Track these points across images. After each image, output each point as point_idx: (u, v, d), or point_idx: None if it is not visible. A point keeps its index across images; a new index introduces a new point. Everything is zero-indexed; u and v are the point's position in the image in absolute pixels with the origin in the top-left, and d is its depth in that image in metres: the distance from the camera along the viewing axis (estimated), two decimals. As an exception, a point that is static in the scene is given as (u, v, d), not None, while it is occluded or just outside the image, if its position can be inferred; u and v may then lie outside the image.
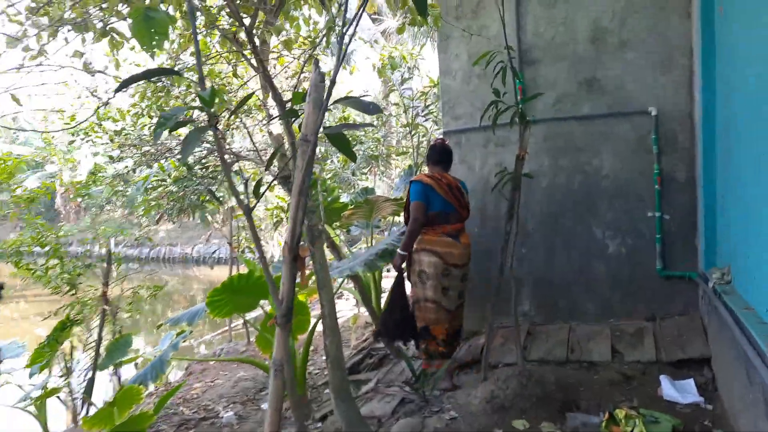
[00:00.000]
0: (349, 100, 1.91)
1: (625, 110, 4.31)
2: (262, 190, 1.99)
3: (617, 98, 4.34)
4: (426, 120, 6.79)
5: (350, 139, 6.76)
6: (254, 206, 1.80)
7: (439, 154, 4.11)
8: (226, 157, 5.56)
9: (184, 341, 4.75)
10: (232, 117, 5.77)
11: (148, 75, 1.71)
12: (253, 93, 3.12)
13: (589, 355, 4.02)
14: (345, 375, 3.43)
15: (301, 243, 1.75)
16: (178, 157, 5.62)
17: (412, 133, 6.66)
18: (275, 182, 3.80)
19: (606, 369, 3.87)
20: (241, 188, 6.23)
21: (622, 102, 4.32)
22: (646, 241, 4.30)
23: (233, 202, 7.56)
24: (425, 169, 4.40)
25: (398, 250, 3.94)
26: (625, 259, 4.38)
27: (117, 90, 1.65)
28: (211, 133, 1.75)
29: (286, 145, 3.41)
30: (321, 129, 1.85)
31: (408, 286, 4.08)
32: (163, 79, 4.29)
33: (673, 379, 3.60)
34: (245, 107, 5.76)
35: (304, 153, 1.77)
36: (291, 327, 1.75)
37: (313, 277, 3.79)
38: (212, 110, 1.66)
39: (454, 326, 4.05)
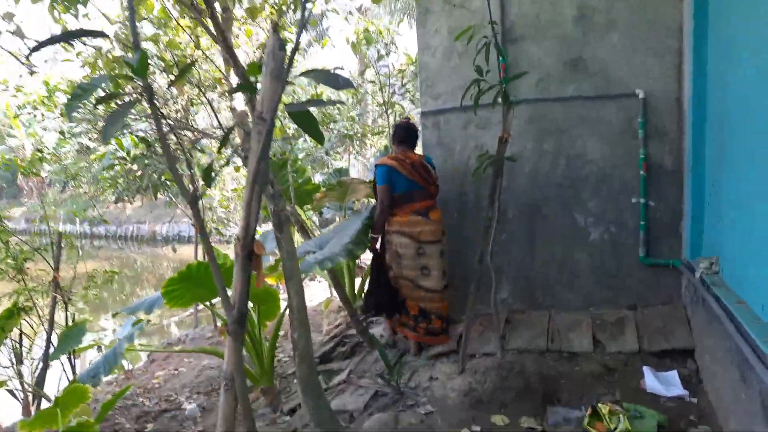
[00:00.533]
0: (316, 73, 1.66)
1: (612, 92, 4.13)
2: (237, 174, 1.74)
3: (603, 80, 4.15)
4: (403, 99, 6.54)
5: (322, 117, 6.50)
6: (201, 194, 1.54)
7: (404, 133, 4.20)
8: (189, 135, 5.23)
9: (147, 324, 4.48)
10: (198, 93, 5.44)
11: (68, 36, 1.43)
12: (194, 62, 2.82)
13: (570, 345, 3.89)
14: (314, 370, 3.21)
15: (257, 238, 1.50)
16: (136, 133, 5.27)
17: (389, 112, 6.41)
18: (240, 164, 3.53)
19: (587, 360, 3.74)
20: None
21: (609, 84, 4.14)
22: (630, 228, 4.17)
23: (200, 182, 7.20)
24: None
25: (370, 234, 4.13)
26: (608, 247, 4.24)
27: (32, 51, 1.38)
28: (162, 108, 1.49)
29: (250, 124, 3.14)
30: (282, 105, 1.59)
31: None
32: (117, 47, 3.93)
33: (656, 370, 3.49)
34: (210, 82, 5.43)
35: (259, 134, 1.52)
36: (244, 336, 1.51)
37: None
38: (146, 80, 1.39)
39: (444, 308, 4.17)
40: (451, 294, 4.41)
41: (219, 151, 2.44)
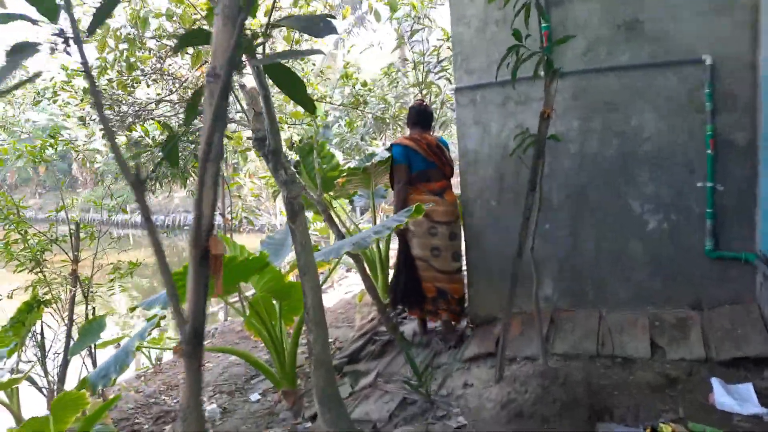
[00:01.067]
0: (293, 19, 1.30)
1: (673, 59, 3.59)
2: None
3: (663, 45, 3.62)
4: (439, 78, 6.10)
5: (354, 97, 6.14)
6: (145, 180, 1.21)
7: (417, 116, 4.24)
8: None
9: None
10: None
11: None
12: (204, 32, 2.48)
13: (624, 350, 3.43)
14: (332, 376, 2.89)
15: (214, 233, 1.16)
16: (162, 118, 5.05)
17: (424, 92, 5.99)
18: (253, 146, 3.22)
19: (644, 367, 3.27)
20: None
21: (669, 49, 3.60)
22: (694, 216, 3.64)
23: (228, 169, 6.99)
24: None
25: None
26: (668, 237, 3.72)
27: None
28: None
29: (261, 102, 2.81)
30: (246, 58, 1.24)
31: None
32: (128, 26, 3.68)
33: (726, 382, 3.00)
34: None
35: (211, 95, 1.17)
36: (202, 354, 1.17)
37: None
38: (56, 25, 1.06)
39: (456, 290, 4.14)
40: (483, 290, 4.03)
41: (187, 124, 2.11)
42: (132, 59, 3.76)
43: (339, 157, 9.86)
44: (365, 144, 8.09)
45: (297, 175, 3.17)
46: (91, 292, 4.22)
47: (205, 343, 5.71)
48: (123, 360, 3.44)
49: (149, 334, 3.54)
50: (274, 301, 4.02)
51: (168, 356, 5.98)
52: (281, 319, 4.02)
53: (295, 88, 1.38)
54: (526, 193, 3.13)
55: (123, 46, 3.77)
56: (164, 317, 3.68)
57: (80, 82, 4.57)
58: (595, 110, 3.80)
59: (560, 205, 3.98)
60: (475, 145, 4.18)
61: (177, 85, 4.42)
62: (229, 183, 6.22)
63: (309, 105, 1.43)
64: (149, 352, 6.16)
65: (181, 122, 5.06)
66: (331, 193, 4.88)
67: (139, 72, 3.97)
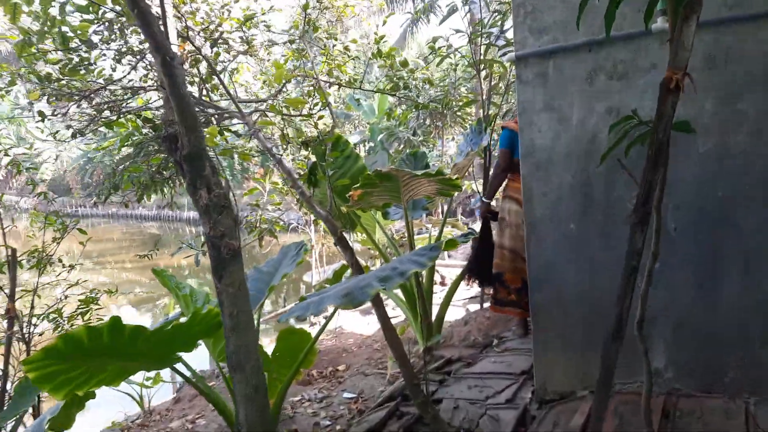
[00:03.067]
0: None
1: None
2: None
3: None
4: (503, 54, 4.74)
5: (387, 83, 4.88)
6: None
7: None
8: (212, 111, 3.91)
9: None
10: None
11: None
12: None
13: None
14: None
15: None
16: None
17: (482, 72, 4.66)
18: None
19: None
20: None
21: None
22: None
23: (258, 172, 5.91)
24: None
25: (482, 198, 4.10)
26: None
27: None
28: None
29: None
30: None
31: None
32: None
33: None
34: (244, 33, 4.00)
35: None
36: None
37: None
38: None
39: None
40: (558, 349, 2.75)
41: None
42: (65, 28, 2.75)
43: (384, 157, 8.62)
44: (417, 139, 6.82)
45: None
46: (28, 336, 3.25)
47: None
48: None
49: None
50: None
51: (163, 401, 5.01)
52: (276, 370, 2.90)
53: None
54: (630, 220, 1.78)
55: (54, 11, 2.76)
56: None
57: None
58: (747, 84, 2.36)
59: (680, 234, 2.57)
60: (545, 139, 2.85)
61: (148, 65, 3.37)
62: (248, 189, 5.15)
63: None
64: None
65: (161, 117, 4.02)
66: (343, 208, 3.66)
67: (78, 45, 2.93)
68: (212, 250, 1.68)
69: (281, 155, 3.32)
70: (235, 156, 4.23)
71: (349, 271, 3.56)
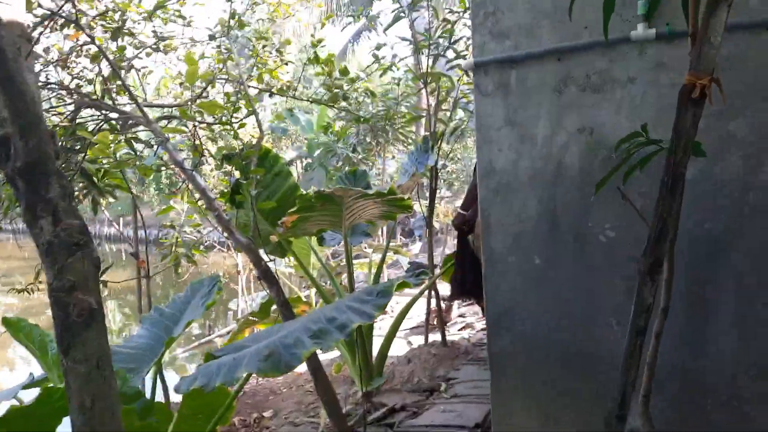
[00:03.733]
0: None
1: None
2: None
3: None
4: (451, 68, 4.39)
5: (324, 92, 4.45)
6: None
7: None
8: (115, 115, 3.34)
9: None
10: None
11: None
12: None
13: None
14: None
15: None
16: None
17: (429, 85, 4.28)
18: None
19: None
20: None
21: None
22: None
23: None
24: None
25: (458, 209, 3.90)
26: None
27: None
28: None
29: None
30: None
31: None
32: None
33: None
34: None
35: None
36: None
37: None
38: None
39: None
40: (519, 405, 2.29)
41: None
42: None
43: (321, 174, 8.11)
44: (357, 156, 6.37)
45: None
46: None
47: None
48: None
49: None
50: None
51: None
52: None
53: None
54: (639, 273, 1.37)
55: None
56: None
57: None
58: (762, 96, 2.05)
59: (677, 271, 2.22)
60: (506, 160, 2.47)
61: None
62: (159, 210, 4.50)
63: None
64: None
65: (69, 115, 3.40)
66: (274, 236, 3.13)
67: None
68: (56, 309, 1.14)
69: (193, 170, 2.76)
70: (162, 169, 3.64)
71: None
